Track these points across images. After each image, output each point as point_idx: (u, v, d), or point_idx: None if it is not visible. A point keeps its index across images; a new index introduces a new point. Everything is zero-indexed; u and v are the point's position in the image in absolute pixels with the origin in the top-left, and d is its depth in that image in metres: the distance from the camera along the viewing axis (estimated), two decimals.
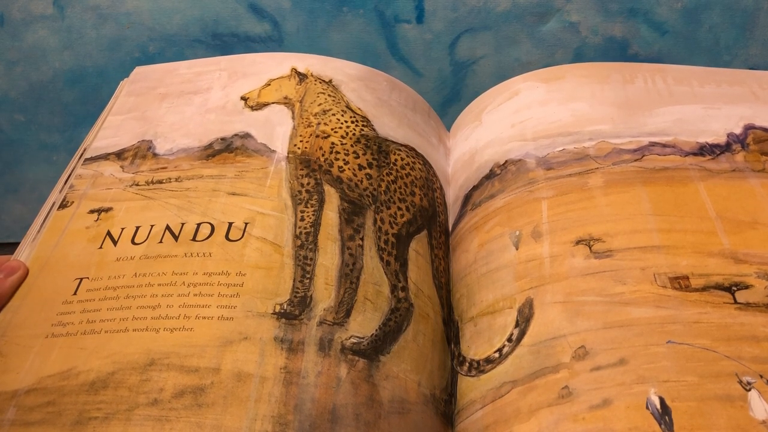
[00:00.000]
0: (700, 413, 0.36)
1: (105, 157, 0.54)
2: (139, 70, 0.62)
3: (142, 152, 0.54)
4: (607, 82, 0.56)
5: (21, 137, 0.78)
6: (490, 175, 0.53)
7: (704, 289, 0.42)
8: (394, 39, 0.70)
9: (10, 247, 0.54)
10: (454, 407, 0.44)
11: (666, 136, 0.52)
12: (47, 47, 0.70)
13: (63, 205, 0.51)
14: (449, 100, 0.75)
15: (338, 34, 0.70)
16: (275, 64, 0.60)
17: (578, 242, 0.46)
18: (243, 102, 0.57)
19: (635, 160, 0.50)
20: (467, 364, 0.45)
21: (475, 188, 0.54)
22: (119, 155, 0.54)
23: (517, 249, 0.47)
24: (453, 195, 0.56)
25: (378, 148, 0.54)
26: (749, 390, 0.37)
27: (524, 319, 0.44)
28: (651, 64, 0.58)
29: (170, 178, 0.51)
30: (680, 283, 0.42)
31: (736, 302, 0.41)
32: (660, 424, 0.36)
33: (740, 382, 0.37)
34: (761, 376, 0.37)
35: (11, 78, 0.73)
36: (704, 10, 0.66)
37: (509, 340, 0.43)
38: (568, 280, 0.44)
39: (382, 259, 0.48)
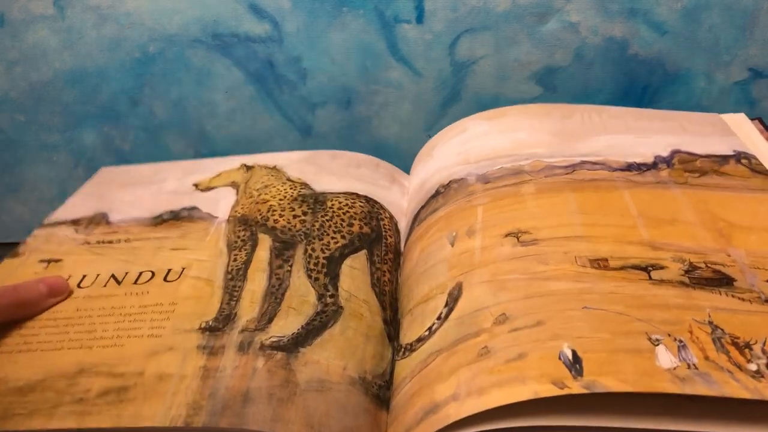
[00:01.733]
0: (609, 362, 0.37)
1: (63, 222, 0.59)
2: (104, 170, 0.68)
3: (96, 220, 0.59)
4: (546, 117, 0.61)
5: (21, 137, 0.79)
6: (435, 194, 0.57)
7: (622, 268, 0.44)
8: (394, 39, 0.70)
9: (10, 247, 0.57)
10: (390, 392, 0.45)
11: (597, 156, 0.55)
12: (47, 47, 0.71)
13: (14, 255, 0.56)
14: (449, 100, 0.75)
15: (338, 34, 0.70)
16: (226, 164, 0.66)
17: (507, 235, 0.48)
18: (194, 187, 0.63)
19: (566, 174, 0.53)
20: (401, 351, 0.46)
21: (422, 207, 0.57)
22: (75, 222, 0.59)
23: (452, 246, 0.50)
24: (407, 219, 0.59)
25: (314, 200, 0.59)
26: (657, 345, 0.38)
27: (453, 300, 0.45)
28: (590, 105, 0.63)
29: (120, 239, 0.56)
30: (599, 263, 0.44)
31: (651, 279, 0.43)
32: (570, 371, 0.37)
33: (649, 339, 0.39)
34: (669, 335, 0.39)
35: (11, 78, 0.74)
36: (704, 10, 0.66)
37: (438, 318, 0.45)
38: (495, 264, 0.46)
39: (310, 277, 0.51)
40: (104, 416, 0.39)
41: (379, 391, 0.44)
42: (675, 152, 0.55)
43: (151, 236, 0.56)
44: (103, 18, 0.71)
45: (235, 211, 0.58)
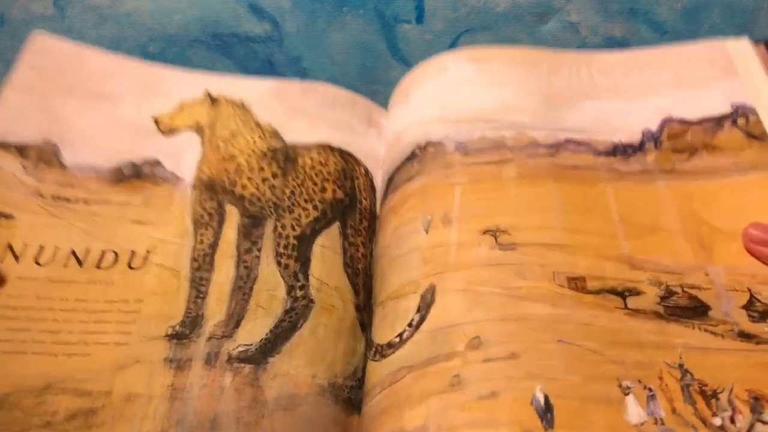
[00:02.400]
0: (580, 413, 0.38)
1: (5, 146, 0.51)
2: (41, 39, 0.57)
3: (47, 156, 0.52)
4: (533, 70, 0.57)
5: None
6: (411, 157, 0.53)
7: (598, 292, 0.43)
8: (394, 39, 0.69)
9: None
10: (362, 392, 0.45)
11: (582, 132, 0.52)
12: None
13: None
14: None
15: (338, 34, 0.69)
16: (189, 84, 0.59)
17: (485, 232, 0.46)
18: (155, 124, 0.56)
19: (549, 155, 0.51)
20: (373, 348, 0.46)
21: (397, 170, 0.54)
22: (21, 151, 0.52)
23: (426, 233, 0.48)
24: (383, 175, 0.56)
25: (285, 157, 0.55)
26: (627, 394, 0.39)
27: (425, 305, 0.44)
28: (577, 52, 0.59)
29: (77, 198, 0.50)
30: (577, 283, 0.44)
31: (626, 308, 0.43)
32: (542, 420, 0.37)
33: (620, 386, 0.39)
34: (640, 381, 0.39)
35: None
36: (704, 10, 0.66)
37: (410, 325, 0.44)
38: (471, 269, 0.45)
39: (279, 263, 0.48)
40: None
41: (351, 394, 0.44)
42: (665, 122, 0.53)
43: (113, 199, 0.51)
44: (103, 18, 0.69)
45: (201, 172, 0.53)
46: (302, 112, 0.58)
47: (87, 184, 0.51)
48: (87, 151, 0.53)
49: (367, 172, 0.56)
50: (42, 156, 0.52)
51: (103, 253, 0.48)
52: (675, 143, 0.52)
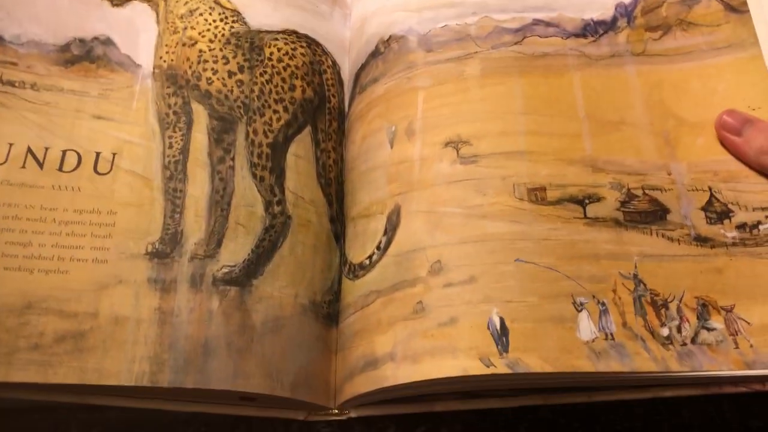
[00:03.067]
0: (534, 334, 0.40)
1: None
2: None
3: None
4: None
5: None
6: (375, 53, 0.52)
7: (558, 202, 0.44)
8: None
9: None
10: (339, 306, 0.48)
11: (551, 11, 0.50)
12: None
13: None
14: None
15: None
16: None
17: (447, 144, 0.46)
18: None
19: (515, 43, 0.49)
20: (347, 265, 0.48)
21: (362, 67, 0.52)
22: None
23: (391, 147, 0.48)
24: (349, 69, 0.54)
25: (250, 45, 0.52)
26: (580, 311, 0.41)
27: (392, 227, 0.46)
28: None
29: (24, 83, 0.48)
30: (537, 194, 0.44)
31: (585, 216, 0.43)
32: (497, 345, 0.40)
33: (574, 303, 0.41)
34: (594, 297, 0.41)
35: None
36: None
37: (378, 247, 0.46)
38: (433, 188, 0.45)
39: (255, 176, 0.48)
40: (67, 370, 0.40)
41: (329, 308, 0.47)
42: None
43: (66, 87, 0.48)
44: None
45: (161, 59, 0.50)
46: None
47: (33, 65, 0.48)
48: (26, 19, 0.49)
49: (334, 63, 0.54)
50: None
51: (64, 153, 0.46)
52: (649, 19, 0.49)
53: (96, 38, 0.50)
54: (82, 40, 0.50)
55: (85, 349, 0.41)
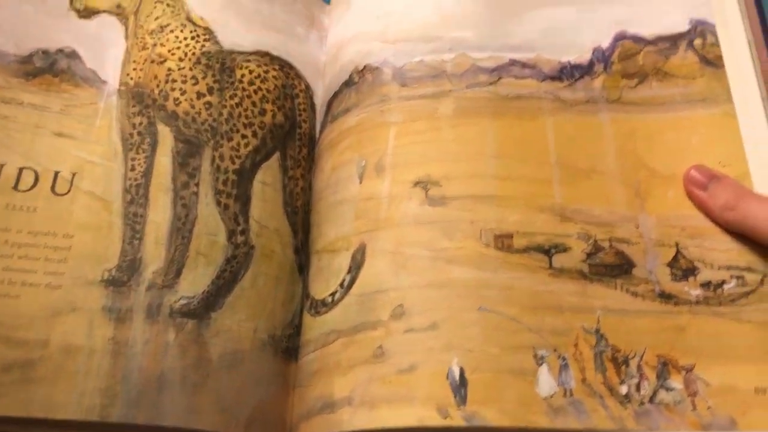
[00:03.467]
0: (493, 386, 0.40)
1: None
2: None
3: None
4: None
5: None
6: (349, 83, 0.51)
7: (525, 250, 0.43)
8: None
9: None
10: (300, 340, 0.47)
11: (530, 52, 0.49)
12: None
13: None
14: None
15: None
16: None
17: (416, 183, 0.46)
18: (69, 2, 0.50)
19: (490, 83, 0.48)
20: (309, 300, 0.47)
21: (335, 95, 0.52)
22: None
23: (360, 182, 0.47)
24: (321, 95, 0.54)
25: (221, 66, 0.50)
26: (541, 365, 0.40)
27: (356, 266, 0.45)
28: None
29: None
30: (503, 242, 0.44)
31: (551, 267, 0.43)
32: (455, 396, 0.40)
33: (535, 355, 0.41)
34: (555, 350, 0.41)
35: None
36: None
37: (341, 285, 0.45)
38: (400, 227, 0.45)
39: (219, 203, 0.47)
40: (12, 401, 0.38)
41: (289, 343, 0.47)
42: (619, 38, 0.49)
43: (25, 100, 0.46)
44: None
45: (128, 76, 0.49)
46: (237, 6, 0.53)
47: None
48: None
49: (307, 87, 0.53)
50: None
51: (20, 171, 0.44)
52: (626, 65, 0.48)
53: (60, 50, 0.48)
54: (45, 52, 0.48)
55: (34, 380, 0.39)
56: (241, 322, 0.45)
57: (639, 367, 0.40)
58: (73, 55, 0.48)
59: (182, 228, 0.46)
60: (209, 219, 0.47)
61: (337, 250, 0.46)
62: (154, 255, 0.45)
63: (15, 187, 0.44)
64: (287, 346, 0.46)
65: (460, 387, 0.40)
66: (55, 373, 0.40)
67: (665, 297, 0.42)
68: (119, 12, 0.51)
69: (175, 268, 0.45)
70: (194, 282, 0.45)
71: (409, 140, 0.47)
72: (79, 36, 0.49)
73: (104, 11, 0.51)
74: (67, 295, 0.42)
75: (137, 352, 0.42)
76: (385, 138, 0.47)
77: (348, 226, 0.46)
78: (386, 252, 0.44)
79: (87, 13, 0.50)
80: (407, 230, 0.44)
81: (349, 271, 0.45)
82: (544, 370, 0.40)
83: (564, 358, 0.41)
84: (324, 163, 0.50)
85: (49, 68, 0.48)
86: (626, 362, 0.40)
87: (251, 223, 0.47)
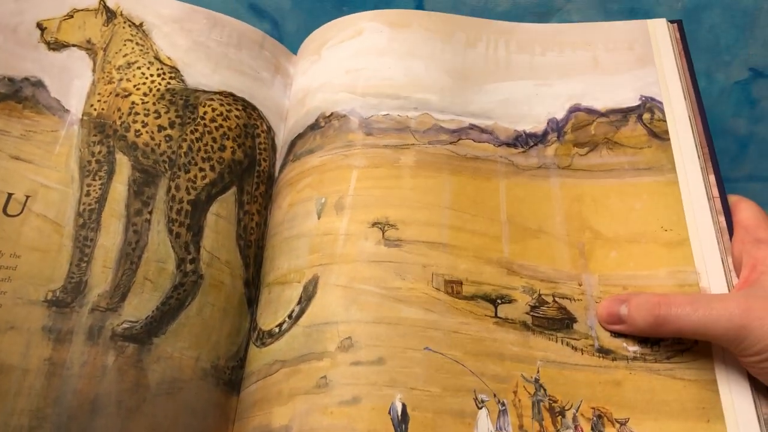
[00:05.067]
0: (432, 425, 0.40)
1: None
2: None
3: None
4: (450, 41, 0.55)
5: None
6: (315, 126, 0.53)
7: (472, 297, 0.45)
8: None
9: None
10: (243, 373, 0.46)
11: (488, 119, 0.52)
12: None
13: None
14: None
15: None
16: None
17: (374, 224, 0.47)
18: (39, 31, 0.51)
19: (450, 143, 0.51)
20: (256, 332, 0.47)
21: (299, 137, 0.53)
22: None
23: (318, 218, 0.48)
24: (283, 137, 0.55)
25: (184, 102, 0.52)
26: (480, 408, 0.41)
27: (307, 297, 0.46)
28: (500, 22, 0.57)
29: None
30: (453, 287, 0.45)
31: (496, 316, 0.44)
32: (396, 431, 0.40)
33: (476, 399, 0.41)
34: (495, 395, 0.42)
35: None
36: (704, 10, 0.66)
37: (290, 316, 0.46)
38: (355, 263, 0.46)
39: (171, 231, 0.47)
40: None
41: (232, 375, 0.46)
42: (573, 111, 0.52)
43: None
44: None
45: (92, 107, 0.49)
46: (206, 49, 0.54)
47: None
48: None
49: (269, 129, 0.55)
50: None
51: None
52: (578, 135, 0.51)
53: (26, 79, 0.49)
54: (11, 79, 0.49)
55: None
56: (183, 350, 0.44)
57: (574, 419, 0.41)
58: (38, 83, 0.49)
59: (131, 253, 0.46)
60: (159, 246, 0.47)
61: (288, 282, 0.47)
62: (100, 278, 0.45)
63: None
64: (230, 378, 0.46)
65: (401, 423, 0.40)
66: None
67: (603, 352, 0.43)
68: (89, 47, 0.52)
69: (120, 291, 0.45)
70: (139, 306, 0.44)
71: (371, 184, 0.49)
72: (46, 66, 0.50)
73: (74, 45, 0.52)
74: (7, 314, 0.41)
75: (73, 373, 0.41)
76: (347, 179, 0.49)
77: (302, 259, 0.47)
78: (339, 286, 0.45)
79: (57, 45, 0.51)
80: (361, 267, 0.46)
81: (299, 302, 0.46)
82: (483, 413, 0.41)
83: (503, 404, 0.41)
84: (282, 200, 0.51)
85: (14, 95, 0.48)
86: (562, 413, 0.41)
87: (202, 252, 0.47)
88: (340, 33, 0.57)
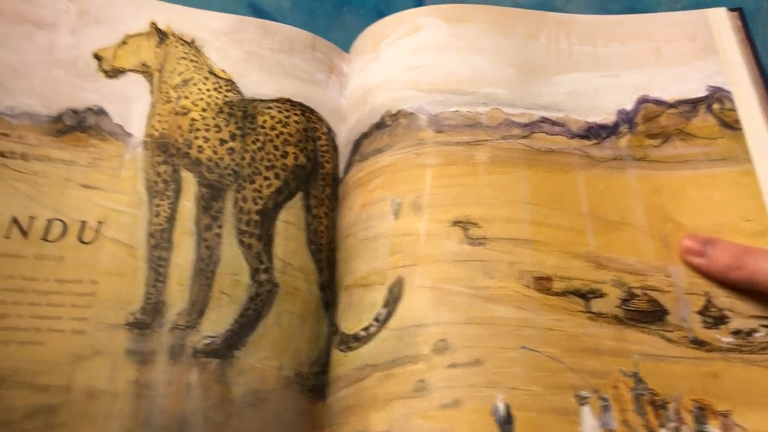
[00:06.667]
0: (537, 425, 0.40)
1: None
2: None
3: None
4: (510, 34, 0.54)
5: None
6: (381, 125, 0.52)
7: (563, 293, 0.44)
8: None
9: None
10: (327, 378, 0.46)
11: (558, 111, 0.51)
12: None
13: None
14: None
15: (338, 34, 0.65)
16: (133, 12, 0.54)
17: (455, 223, 0.46)
18: (96, 61, 0.51)
19: (523, 137, 0.50)
20: (339, 336, 0.46)
21: (364, 136, 0.52)
22: None
23: (396, 218, 0.48)
24: (345, 136, 0.54)
25: (243, 113, 0.51)
26: (583, 405, 0.41)
27: (393, 299, 0.45)
28: (559, 14, 0.56)
29: (14, 153, 0.46)
30: (543, 284, 0.44)
31: (589, 311, 0.44)
32: None
33: (577, 396, 0.41)
34: (596, 391, 0.41)
35: None
36: None
37: (376, 320, 0.45)
38: (439, 264, 0.45)
39: (242, 243, 0.47)
40: None
41: (316, 381, 0.45)
42: (641, 102, 0.52)
43: (55, 156, 0.47)
44: None
45: (153, 128, 0.50)
46: (259, 58, 0.54)
47: (24, 135, 0.47)
48: (21, 92, 0.48)
49: (329, 130, 0.54)
50: None
51: (49, 223, 0.45)
52: (649, 126, 0.51)
53: (89, 108, 0.49)
54: (75, 111, 0.49)
55: (56, 425, 0.39)
56: (264, 360, 0.44)
57: (677, 412, 0.41)
58: (100, 111, 0.50)
59: (205, 269, 0.46)
60: (232, 259, 0.46)
61: (370, 284, 0.46)
62: (177, 297, 0.44)
63: (44, 238, 0.44)
64: (314, 384, 0.45)
65: (506, 424, 0.39)
66: (78, 418, 0.39)
67: (698, 343, 0.43)
68: (145, 70, 0.52)
69: (198, 308, 0.44)
70: (217, 321, 0.44)
71: (447, 182, 0.48)
72: (106, 94, 0.50)
73: (130, 70, 0.52)
74: (91, 339, 0.42)
75: (159, 393, 0.41)
76: (422, 178, 0.48)
77: (383, 260, 0.46)
78: (425, 287, 0.44)
79: (114, 73, 0.52)
80: (446, 267, 0.45)
81: (385, 305, 0.45)
82: (586, 410, 0.40)
83: (605, 399, 0.41)
84: (352, 201, 0.50)
85: (78, 125, 0.49)
86: (664, 406, 0.41)
87: (275, 261, 0.47)
88: (398, 29, 0.56)
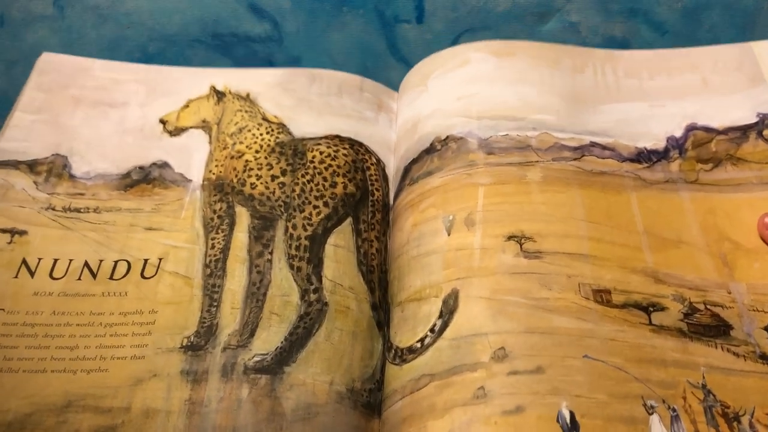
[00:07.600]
0: None
1: (15, 165, 0.52)
2: (48, 58, 0.60)
3: (57, 170, 0.53)
4: (557, 67, 0.56)
5: None
6: (430, 150, 0.53)
7: (623, 306, 0.43)
8: (394, 39, 0.69)
9: None
10: (382, 394, 0.45)
11: (607, 137, 0.52)
12: (47, 47, 0.65)
13: None
14: None
15: (338, 34, 0.69)
16: (195, 80, 0.59)
17: (510, 238, 0.46)
18: (161, 125, 0.56)
19: (574, 159, 0.50)
20: (393, 350, 0.45)
21: (414, 161, 0.53)
22: (32, 167, 0.53)
23: (448, 235, 0.47)
24: (395, 165, 0.55)
25: (293, 151, 0.54)
26: (651, 414, 0.39)
27: (448, 311, 0.44)
28: (604, 50, 0.58)
29: (88, 208, 0.51)
30: (602, 296, 0.44)
31: (651, 323, 0.43)
32: None
33: (644, 405, 0.39)
34: (663, 401, 0.39)
35: (11, 78, 0.71)
36: (704, 10, 0.66)
37: (432, 330, 0.44)
38: (495, 276, 0.44)
39: (292, 267, 0.48)
40: None
41: (369, 397, 0.44)
42: (690, 129, 0.52)
43: (123, 207, 0.51)
44: (102, 18, 0.69)
45: (210, 172, 0.53)
46: (308, 103, 0.58)
47: (97, 193, 0.52)
48: (95, 159, 0.54)
49: (378, 161, 0.55)
50: (52, 170, 0.53)
51: (115, 264, 0.48)
52: (699, 152, 0.51)
53: (154, 163, 0.54)
54: (141, 167, 0.54)
55: None
56: (316, 375, 0.43)
57: (751, 425, 0.39)
58: (164, 165, 0.54)
59: (257, 292, 0.47)
60: (282, 282, 0.48)
61: (424, 298, 0.45)
62: (229, 319, 0.46)
63: (111, 277, 0.47)
64: (368, 400, 0.44)
65: (572, 430, 0.38)
66: None
67: (766, 359, 0.42)
68: (204, 125, 0.57)
69: (249, 328, 0.45)
70: (268, 340, 0.45)
71: (500, 200, 0.48)
72: (170, 150, 0.55)
73: (192, 128, 0.56)
74: (149, 364, 0.43)
75: (211, 410, 0.42)
76: (474, 196, 0.48)
77: (437, 275, 0.46)
78: (482, 298, 0.44)
79: (177, 132, 0.56)
80: (502, 279, 0.44)
81: (440, 316, 0.44)
82: (655, 419, 0.39)
83: (674, 410, 0.39)
84: (403, 222, 0.50)
85: (144, 179, 0.53)
86: (737, 419, 0.39)
87: (325, 281, 0.48)
88: (446, 63, 0.57)
